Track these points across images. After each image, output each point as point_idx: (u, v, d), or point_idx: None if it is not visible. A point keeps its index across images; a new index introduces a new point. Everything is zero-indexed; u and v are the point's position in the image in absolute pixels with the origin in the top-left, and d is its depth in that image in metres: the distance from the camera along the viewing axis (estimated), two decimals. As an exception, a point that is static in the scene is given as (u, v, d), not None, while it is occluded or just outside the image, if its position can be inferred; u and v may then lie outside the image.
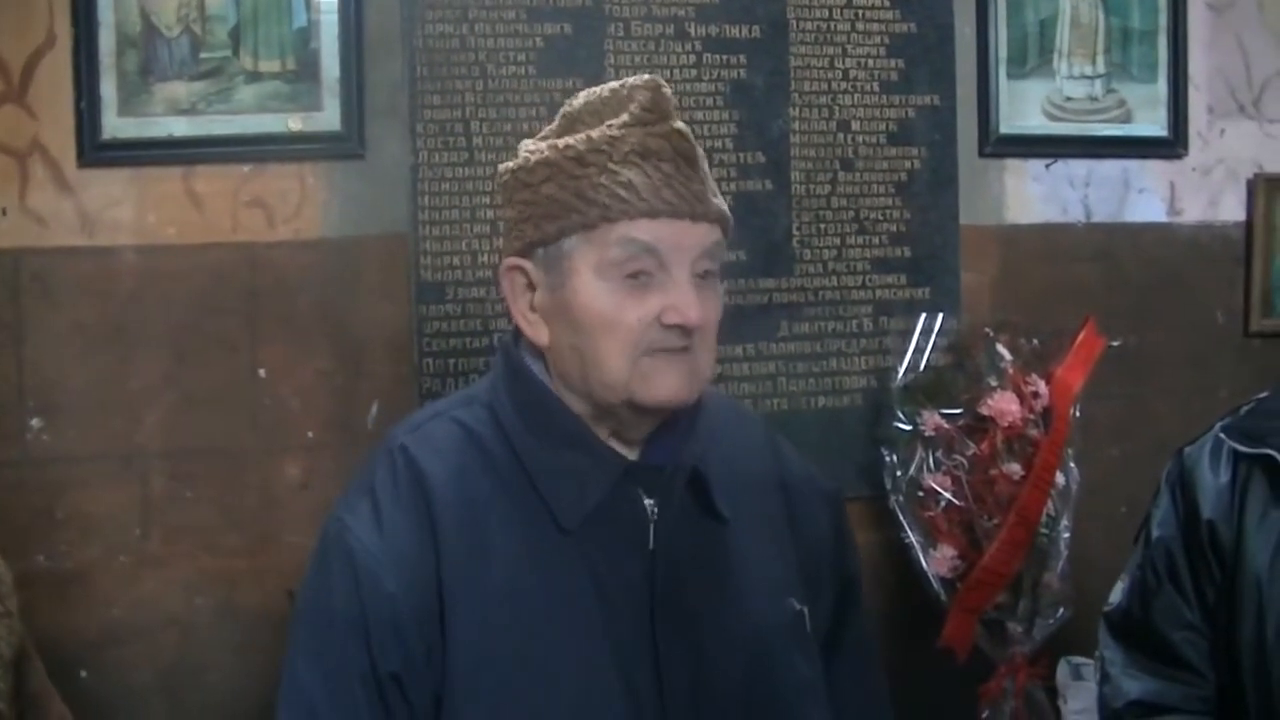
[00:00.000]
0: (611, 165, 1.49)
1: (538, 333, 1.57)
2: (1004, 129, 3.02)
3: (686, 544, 1.58)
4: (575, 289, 1.51)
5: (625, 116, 1.51)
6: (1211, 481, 1.81)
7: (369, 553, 1.51)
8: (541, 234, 1.52)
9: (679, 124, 1.53)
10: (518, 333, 1.63)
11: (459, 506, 1.53)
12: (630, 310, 1.49)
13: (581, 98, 1.60)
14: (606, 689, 1.51)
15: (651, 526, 1.56)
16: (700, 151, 1.55)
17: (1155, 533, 1.89)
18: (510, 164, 1.58)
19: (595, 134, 1.51)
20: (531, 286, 1.56)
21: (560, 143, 1.53)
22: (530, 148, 1.57)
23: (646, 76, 1.55)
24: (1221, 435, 1.84)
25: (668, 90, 1.54)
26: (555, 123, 1.61)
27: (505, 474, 1.56)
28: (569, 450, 1.56)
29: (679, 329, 1.49)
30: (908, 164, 2.92)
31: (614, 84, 1.58)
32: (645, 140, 1.50)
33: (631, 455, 1.60)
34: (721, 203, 1.57)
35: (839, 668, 1.76)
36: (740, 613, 1.61)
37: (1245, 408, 1.88)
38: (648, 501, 1.57)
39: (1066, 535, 2.71)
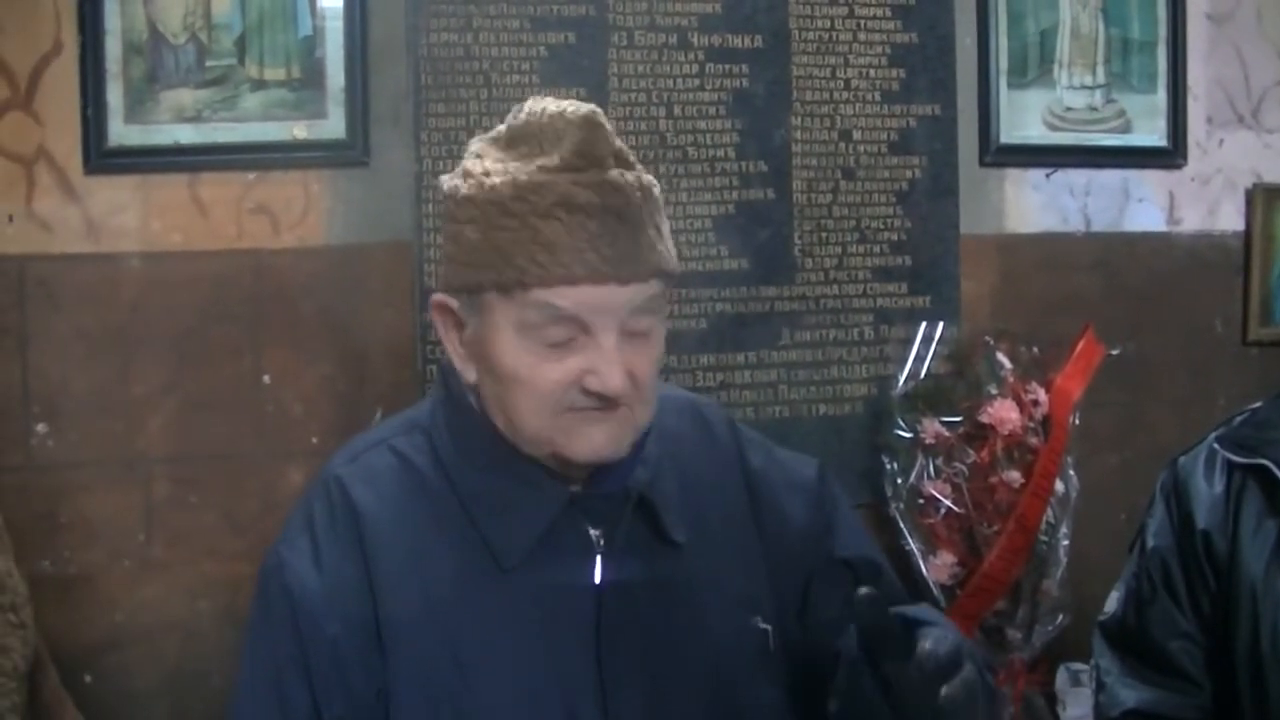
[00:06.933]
0: (534, 219, 1.35)
1: (467, 370, 1.48)
2: (1004, 139, 3.03)
3: (637, 573, 1.48)
4: (494, 342, 1.40)
5: (555, 158, 1.37)
6: (1206, 492, 1.81)
7: (308, 592, 1.43)
8: (462, 281, 1.42)
9: (611, 174, 1.38)
10: None
11: (394, 542, 1.45)
12: (548, 372, 1.39)
13: (528, 108, 1.45)
14: None
15: (598, 558, 1.47)
16: (638, 198, 1.39)
17: (1150, 542, 1.88)
18: (446, 182, 1.46)
19: (523, 177, 1.37)
20: (460, 324, 1.47)
21: (487, 179, 1.40)
22: (470, 168, 1.43)
23: (586, 108, 1.40)
24: (1215, 445, 1.84)
25: (608, 127, 1.40)
26: (504, 127, 1.47)
27: (442, 507, 1.47)
28: (508, 481, 1.47)
29: (599, 394, 1.39)
30: (908, 173, 2.93)
31: (563, 104, 1.43)
32: (572, 191, 1.35)
33: (575, 483, 1.49)
34: (664, 252, 1.43)
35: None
36: (698, 640, 1.51)
37: (1239, 418, 1.88)
38: (593, 532, 1.48)
39: (1065, 542, 2.72)
